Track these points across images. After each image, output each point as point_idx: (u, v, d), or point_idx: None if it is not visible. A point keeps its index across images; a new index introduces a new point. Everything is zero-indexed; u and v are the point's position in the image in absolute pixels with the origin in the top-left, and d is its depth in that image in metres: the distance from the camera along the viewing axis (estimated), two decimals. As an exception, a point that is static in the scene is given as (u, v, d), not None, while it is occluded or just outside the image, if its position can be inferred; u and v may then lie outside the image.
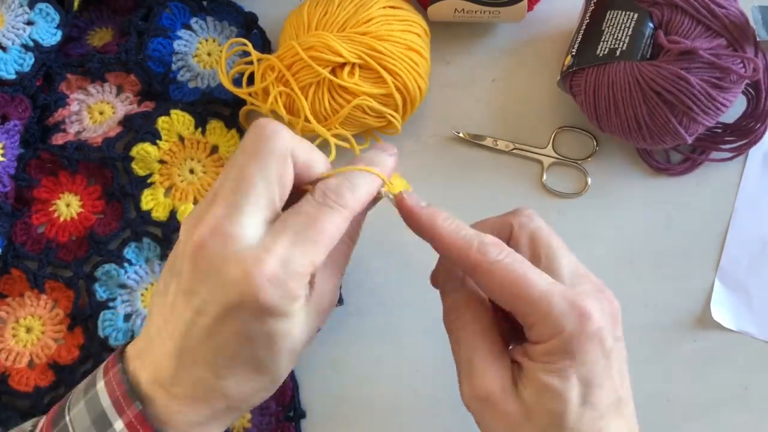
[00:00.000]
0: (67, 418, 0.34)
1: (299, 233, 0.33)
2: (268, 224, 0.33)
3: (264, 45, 0.56)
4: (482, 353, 0.35)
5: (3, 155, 0.50)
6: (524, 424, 0.34)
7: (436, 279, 0.40)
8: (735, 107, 0.50)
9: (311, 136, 0.52)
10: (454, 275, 0.38)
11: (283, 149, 0.34)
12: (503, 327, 0.38)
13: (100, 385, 0.35)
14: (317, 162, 0.36)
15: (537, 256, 0.36)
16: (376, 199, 0.38)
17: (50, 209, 0.53)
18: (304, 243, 0.32)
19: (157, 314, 0.35)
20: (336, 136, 0.48)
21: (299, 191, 0.36)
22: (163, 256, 0.53)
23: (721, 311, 0.53)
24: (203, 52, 0.56)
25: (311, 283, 0.35)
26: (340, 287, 0.39)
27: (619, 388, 0.35)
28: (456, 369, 0.37)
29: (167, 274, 0.35)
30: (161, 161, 0.53)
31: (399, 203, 0.38)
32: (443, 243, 0.36)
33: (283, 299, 0.32)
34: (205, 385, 0.34)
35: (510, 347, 0.37)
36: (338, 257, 0.38)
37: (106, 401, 0.34)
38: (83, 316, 0.51)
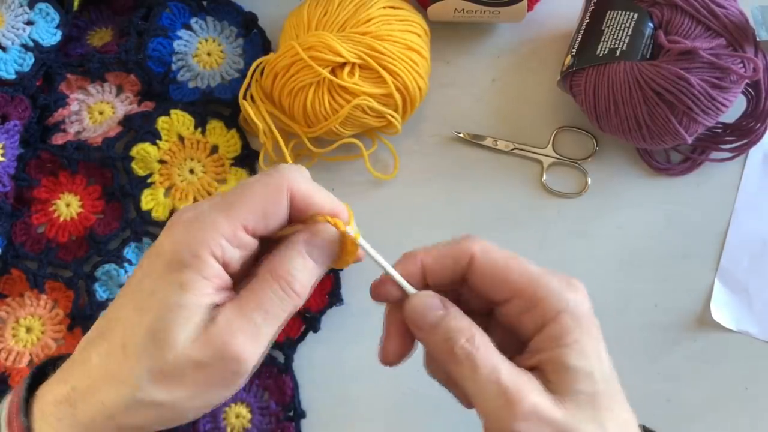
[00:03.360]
0: None
1: (225, 196, 0.32)
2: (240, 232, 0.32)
3: (264, 45, 0.56)
4: (507, 368, 0.33)
5: (3, 155, 0.50)
6: (574, 422, 0.32)
7: (379, 292, 0.36)
8: (735, 107, 0.50)
9: (322, 140, 0.52)
10: (435, 307, 0.34)
11: (281, 182, 0.33)
12: None
13: (8, 398, 0.34)
14: (316, 196, 0.34)
15: None
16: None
17: (50, 209, 0.53)
18: (222, 201, 0.32)
19: None
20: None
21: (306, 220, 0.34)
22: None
23: (721, 311, 0.53)
24: (203, 52, 0.55)
25: (218, 311, 0.31)
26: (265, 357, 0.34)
27: None
28: (473, 399, 0.33)
29: None
30: (161, 161, 0.53)
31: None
32: (432, 262, 0.35)
33: (184, 244, 0.31)
34: (81, 347, 0.33)
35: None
36: (260, 292, 0.32)
37: (4, 415, 0.33)
38: (83, 316, 0.51)
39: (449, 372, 0.34)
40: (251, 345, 0.31)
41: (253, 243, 0.33)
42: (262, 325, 0.32)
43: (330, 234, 0.34)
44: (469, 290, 0.36)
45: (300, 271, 0.33)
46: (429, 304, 0.34)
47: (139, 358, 0.31)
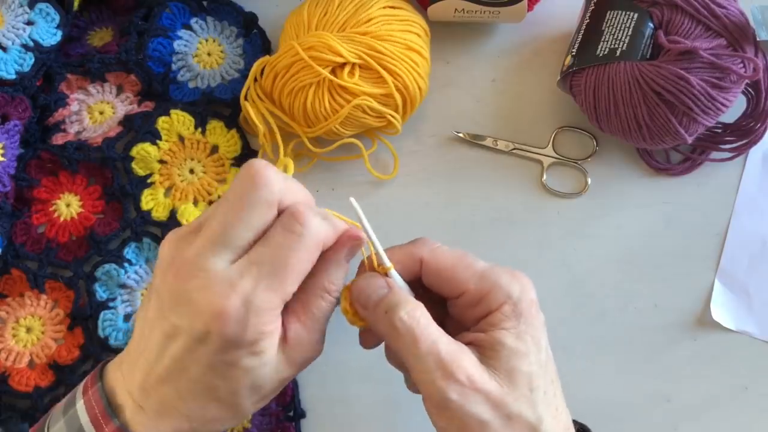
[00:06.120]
0: None
1: (264, 266, 0.34)
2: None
3: (264, 45, 0.56)
4: (445, 341, 0.35)
5: (3, 155, 0.50)
6: (507, 396, 0.34)
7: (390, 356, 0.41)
8: (735, 107, 0.50)
9: (322, 140, 0.52)
10: (379, 286, 0.38)
11: (271, 198, 0.34)
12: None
13: (80, 403, 0.36)
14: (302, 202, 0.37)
15: None
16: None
17: (50, 209, 0.53)
18: (269, 277, 0.34)
19: (138, 327, 0.37)
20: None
21: None
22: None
23: (721, 311, 0.53)
24: (203, 52, 0.56)
25: (285, 332, 0.36)
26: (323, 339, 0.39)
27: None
28: (412, 372, 0.36)
29: (151, 287, 0.37)
30: (161, 161, 0.53)
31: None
32: (398, 258, 0.39)
33: (247, 334, 0.33)
34: (169, 404, 0.35)
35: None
36: (315, 308, 0.38)
37: (84, 418, 0.35)
38: (83, 316, 0.51)
39: (394, 350, 0.38)
40: (318, 348, 0.38)
41: None
42: (322, 330, 0.38)
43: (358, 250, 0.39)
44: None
45: (341, 280, 0.38)
46: (373, 283, 0.38)
47: (239, 406, 0.36)
